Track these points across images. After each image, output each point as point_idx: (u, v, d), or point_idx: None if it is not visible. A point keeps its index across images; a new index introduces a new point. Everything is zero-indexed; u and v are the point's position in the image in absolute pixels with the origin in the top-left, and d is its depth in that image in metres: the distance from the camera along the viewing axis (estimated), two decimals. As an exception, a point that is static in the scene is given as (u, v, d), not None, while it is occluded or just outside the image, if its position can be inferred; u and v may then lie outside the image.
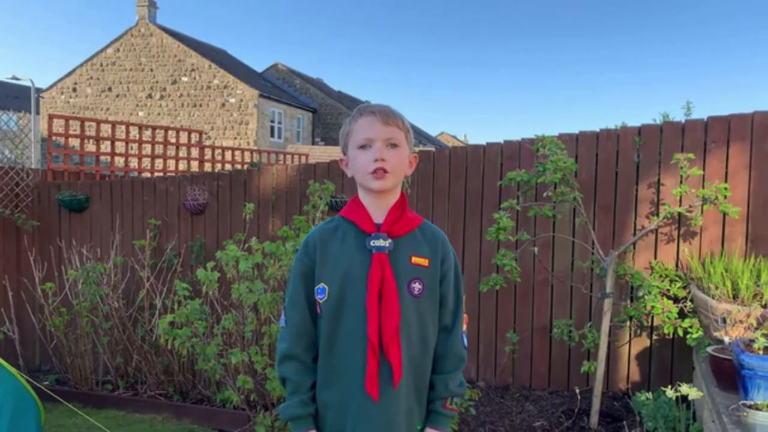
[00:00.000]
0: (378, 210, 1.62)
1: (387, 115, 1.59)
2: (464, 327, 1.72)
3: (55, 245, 5.75)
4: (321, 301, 1.60)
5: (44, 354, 5.62)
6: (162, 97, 26.39)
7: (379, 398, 1.55)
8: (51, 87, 27.99)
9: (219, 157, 9.97)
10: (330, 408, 1.60)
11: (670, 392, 2.78)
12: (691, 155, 3.86)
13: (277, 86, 30.02)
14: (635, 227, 4.19)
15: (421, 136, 34.84)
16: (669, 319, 3.71)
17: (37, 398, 3.46)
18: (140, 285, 4.93)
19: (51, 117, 6.54)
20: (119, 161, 7.60)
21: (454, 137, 51.27)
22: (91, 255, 5.17)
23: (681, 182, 4.00)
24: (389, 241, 1.59)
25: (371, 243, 1.58)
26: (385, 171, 1.56)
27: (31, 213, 5.94)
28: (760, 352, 2.61)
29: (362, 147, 1.59)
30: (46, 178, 6.17)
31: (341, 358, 1.58)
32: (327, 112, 30.26)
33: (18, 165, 5.95)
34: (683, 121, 4.18)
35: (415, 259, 1.61)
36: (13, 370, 3.38)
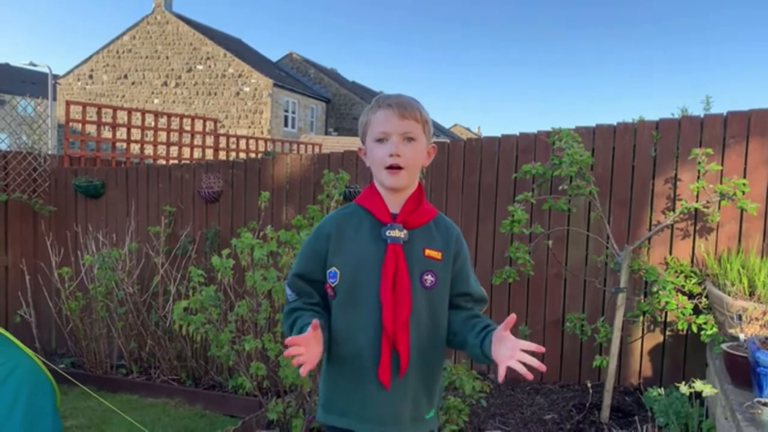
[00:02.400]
0: (394, 200, 1.63)
1: (404, 108, 1.60)
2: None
3: (71, 230, 5.81)
4: (333, 285, 1.62)
5: (60, 337, 5.69)
6: (177, 84, 26.50)
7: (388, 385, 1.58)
8: (68, 73, 28.21)
9: (233, 146, 10.02)
10: (338, 391, 1.64)
11: (683, 388, 2.76)
12: (709, 150, 3.81)
13: (291, 76, 30.02)
14: (651, 222, 4.16)
15: (434, 127, 34.68)
16: (683, 315, 3.68)
17: (53, 380, 3.51)
18: (155, 271, 4.98)
19: (68, 103, 6.60)
20: (135, 148, 7.65)
21: (468, 129, 51.04)
22: (106, 240, 5.22)
23: (698, 177, 3.96)
24: (404, 232, 1.60)
25: (387, 233, 1.59)
26: (400, 167, 1.58)
27: (48, 198, 6.00)
28: (776, 349, 2.59)
29: (379, 140, 1.61)
30: (63, 163, 6.23)
31: (352, 345, 1.60)
32: (341, 102, 30.24)
33: (35, 150, 6.00)
34: (702, 115, 4.12)
35: (428, 252, 1.62)
36: (30, 352, 3.43)
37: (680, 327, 3.72)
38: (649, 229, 4.12)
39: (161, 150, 8.01)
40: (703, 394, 2.71)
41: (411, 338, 1.58)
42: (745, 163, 3.94)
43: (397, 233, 1.60)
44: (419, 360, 1.61)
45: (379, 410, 1.58)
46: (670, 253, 4.10)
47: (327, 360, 1.66)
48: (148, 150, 7.98)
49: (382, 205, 1.63)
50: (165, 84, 26.71)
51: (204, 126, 9.07)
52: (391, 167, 1.58)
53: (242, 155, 9.83)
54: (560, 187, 3.98)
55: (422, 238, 1.63)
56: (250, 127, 25.38)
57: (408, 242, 1.60)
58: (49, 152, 6.32)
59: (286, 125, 26.75)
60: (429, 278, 1.61)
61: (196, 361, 4.76)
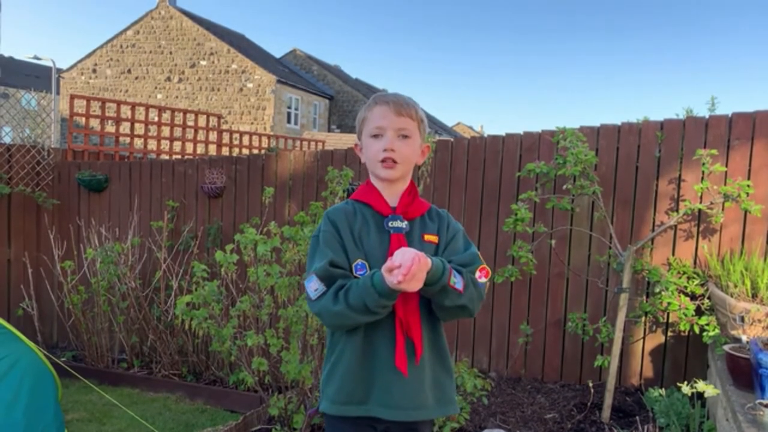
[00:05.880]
0: (391, 195, 1.70)
1: (400, 106, 1.66)
2: (480, 276, 1.66)
3: (74, 224, 5.82)
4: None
5: (62, 331, 5.70)
6: (180, 80, 26.49)
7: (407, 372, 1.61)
8: (71, 68, 28.20)
9: (236, 142, 10.01)
10: (354, 381, 1.63)
11: (685, 388, 2.76)
12: (714, 151, 3.80)
13: (294, 72, 30.00)
14: (654, 223, 4.15)
15: (437, 126, 34.68)
16: (685, 316, 3.68)
17: (55, 373, 3.52)
18: (157, 266, 4.98)
19: (72, 97, 6.60)
20: (138, 143, 7.65)
21: (471, 128, 51.04)
22: (109, 235, 5.22)
23: (702, 178, 3.95)
24: (405, 222, 1.68)
25: (389, 224, 1.66)
26: (394, 161, 1.64)
27: (52, 192, 6.01)
28: (779, 351, 2.59)
29: (374, 136, 1.67)
30: (66, 157, 6.23)
31: (367, 335, 1.63)
32: (344, 99, 30.20)
33: (39, 144, 6.01)
34: (707, 116, 4.11)
35: (427, 237, 1.70)
36: (32, 345, 3.44)
37: (682, 328, 3.72)
38: (653, 230, 4.11)
39: (164, 145, 8.01)
40: (705, 395, 2.71)
41: (422, 324, 1.64)
42: (750, 165, 3.93)
43: (399, 223, 1.67)
44: (431, 342, 1.67)
45: (402, 396, 1.61)
46: (673, 254, 4.10)
47: (337, 352, 1.66)
48: (152, 145, 7.99)
49: (381, 198, 1.69)
50: (168, 79, 26.70)
51: (207, 121, 9.07)
52: (385, 160, 1.64)
53: (245, 151, 9.83)
54: (564, 187, 3.97)
55: (420, 227, 1.71)
56: (253, 123, 25.37)
57: (409, 231, 1.67)
58: (53, 146, 6.33)
59: (289, 122, 26.73)
60: None
61: (198, 356, 4.76)
